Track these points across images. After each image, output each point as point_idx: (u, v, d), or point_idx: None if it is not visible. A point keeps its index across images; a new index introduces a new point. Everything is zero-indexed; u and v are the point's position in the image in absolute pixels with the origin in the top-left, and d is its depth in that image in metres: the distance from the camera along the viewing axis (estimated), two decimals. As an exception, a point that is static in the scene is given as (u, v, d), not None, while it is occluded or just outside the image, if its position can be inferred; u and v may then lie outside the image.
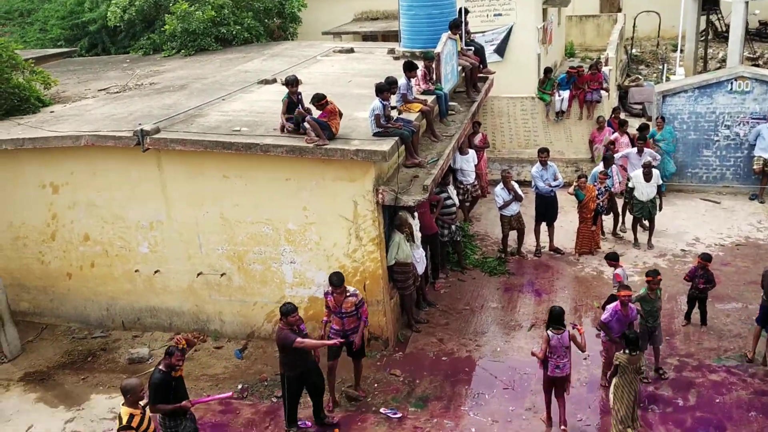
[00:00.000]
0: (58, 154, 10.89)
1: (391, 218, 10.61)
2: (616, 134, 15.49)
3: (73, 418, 9.64)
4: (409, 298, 11.10)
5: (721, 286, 11.30)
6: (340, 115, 9.99)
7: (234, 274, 10.83)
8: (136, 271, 11.24)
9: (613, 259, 10.64)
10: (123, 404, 7.07)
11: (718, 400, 9.21)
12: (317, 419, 9.12)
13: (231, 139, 9.98)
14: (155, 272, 11.15)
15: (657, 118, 15.80)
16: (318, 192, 10.08)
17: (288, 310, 8.40)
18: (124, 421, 6.93)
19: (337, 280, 8.97)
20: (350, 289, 9.17)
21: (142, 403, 7.25)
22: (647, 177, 13.13)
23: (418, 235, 11.12)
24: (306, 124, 9.70)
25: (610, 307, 9.28)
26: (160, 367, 7.67)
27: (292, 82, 9.99)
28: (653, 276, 9.43)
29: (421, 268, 11.18)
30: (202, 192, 10.49)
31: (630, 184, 13.35)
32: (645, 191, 13.23)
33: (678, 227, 14.39)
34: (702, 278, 10.56)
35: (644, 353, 9.63)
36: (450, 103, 13.27)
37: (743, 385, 9.46)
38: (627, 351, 8.33)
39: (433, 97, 12.29)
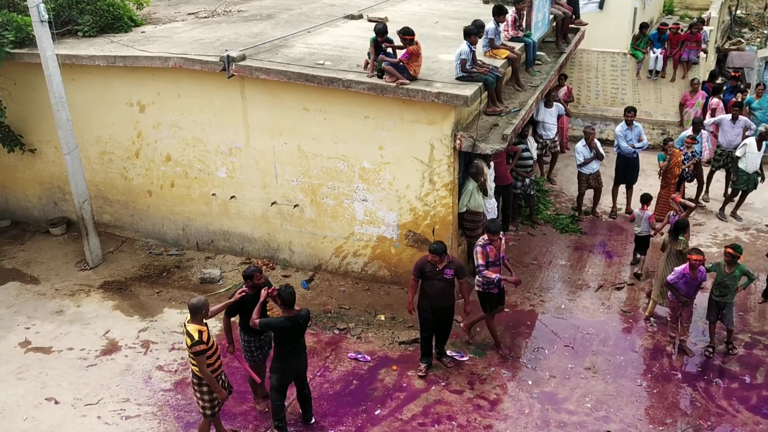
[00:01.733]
0: (146, 74, 11.15)
1: (467, 165, 10.50)
2: (716, 99, 14.78)
3: (147, 327, 10.13)
4: (477, 246, 11.04)
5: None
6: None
7: (306, 207, 11.00)
8: (213, 194, 11.55)
9: (645, 201, 11.09)
10: (189, 321, 7.24)
11: (787, 382, 8.94)
12: (438, 354, 9.29)
13: (314, 72, 9.99)
14: (231, 197, 11.43)
15: (758, 85, 14.95)
16: (395, 132, 10.04)
17: (433, 249, 8.52)
18: (196, 338, 7.13)
19: (494, 227, 8.90)
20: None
21: (206, 320, 7.41)
22: (760, 145, 12.49)
23: (491, 185, 10.99)
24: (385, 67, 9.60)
25: (678, 269, 9.10)
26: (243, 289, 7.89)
27: (382, 32, 9.81)
28: (732, 249, 9.07)
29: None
30: (281, 122, 10.60)
31: (738, 152, 12.57)
32: (755, 161, 12.58)
33: (765, 201, 13.76)
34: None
35: (714, 326, 9.42)
36: (538, 53, 12.89)
37: (816, 370, 9.13)
38: (671, 234, 9.60)
39: (521, 44, 11.95)
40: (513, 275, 9.25)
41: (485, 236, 9.00)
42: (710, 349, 9.44)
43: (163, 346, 9.71)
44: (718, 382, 8.96)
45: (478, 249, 8.97)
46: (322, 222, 11.02)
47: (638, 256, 11.44)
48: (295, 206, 11.05)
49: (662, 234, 10.55)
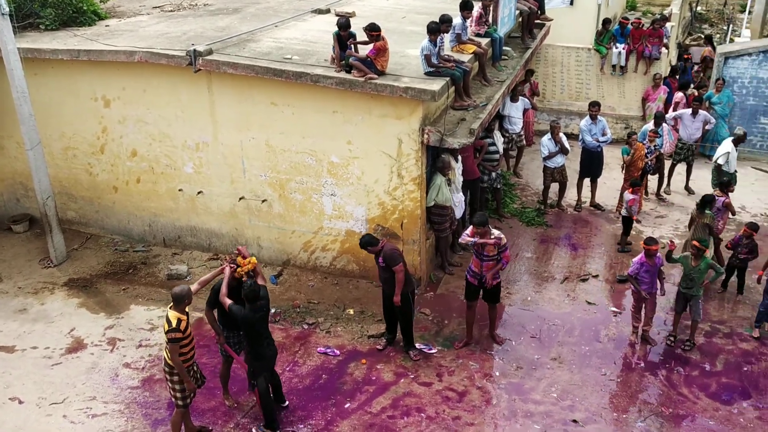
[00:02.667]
0: (111, 68, 11.01)
1: (434, 159, 10.58)
2: (680, 94, 15.08)
3: (113, 325, 10.03)
4: (445, 240, 11.16)
5: (762, 256, 11.10)
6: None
7: (275, 202, 10.98)
8: (179, 190, 11.47)
9: (635, 184, 11.67)
10: (171, 308, 7.30)
11: (745, 369, 9.19)
12: (404, 345, 9.38)
13: (282, 67, 9.97)
14: (198, 193, 11.36)
15: (717, 80, 15.32)
16: (363, 127, 10.07)
17: (361, 243, 8.82)
18: (173, 325, 7.18)
19: (479, 220, 8.92)
20: (495, 232, 9.01)
21: (187, 309, 7.46)
22: (736, 147, 12.76)
23: (459, 179, 11.10)
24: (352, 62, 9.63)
25: (636, 259, 9.31)
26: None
27: (344, 26, 9.80)
28: (698, 243, 9.29)
29: (459, 213, 11.20)
30: (249, 117, 10.57)
31: (721, 161, 12.51)
32: (735, 162, 12.81)
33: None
34: (745, 247, 10.42)
35: (679, 317, 9.65)
36: (504, 48, 13.00)
37: (773, 357, 9.42)
38: (697, 207, 10.44)
39: (488, 39, 12.06)
40: (489, 275, 9.10)
41: (470, 230, 9.04)
42: (671, 338, 9.67)
43: (130, 344, 9.63)
44: (679, 370, 9.19)
45: (468, 240, 9.04)
46: (291, 217, 11.01)
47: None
48: (263, 201, 11.03)
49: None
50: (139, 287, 10.95)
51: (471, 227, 9.03)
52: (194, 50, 10.10)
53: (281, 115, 10.38)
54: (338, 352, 9.42)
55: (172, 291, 7.39)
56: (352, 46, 9.81)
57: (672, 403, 8.58)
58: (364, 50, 9.75)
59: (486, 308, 9.58)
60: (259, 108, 10.44)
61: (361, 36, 9.81)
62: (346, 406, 8.48)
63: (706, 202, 10.52)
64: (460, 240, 9.42)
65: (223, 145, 10.89)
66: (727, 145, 12.68)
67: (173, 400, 7.68)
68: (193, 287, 7.76)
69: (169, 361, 7.37)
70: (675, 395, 8.73)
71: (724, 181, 11.33)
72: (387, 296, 9.12)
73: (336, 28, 9.83)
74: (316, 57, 10.47)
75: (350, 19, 10.49)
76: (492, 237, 8.90)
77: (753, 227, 10.38)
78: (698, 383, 8.95)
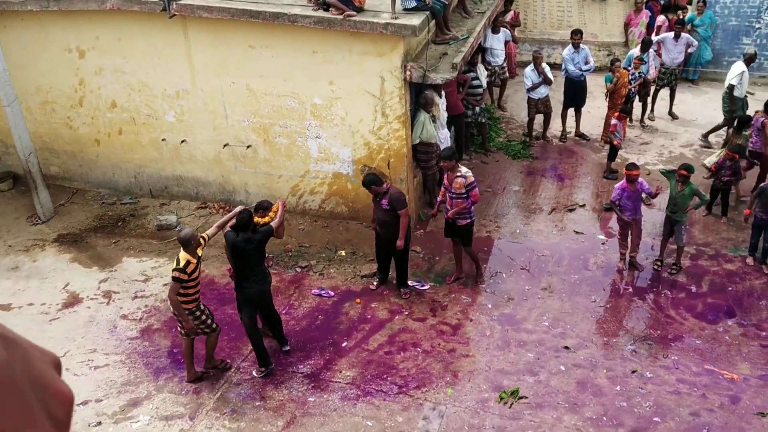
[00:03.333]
0: (83, 18, 10.73)
1: (418, 96, 10.50)
2: (662, 17, 14.94)
3: (107, 278, 10.08)
4: (432, 177, 11.18)
5: (745, 179, 11.24)
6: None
7: (259, 147, 10.91)
8: (163, 139, 11.36)
9: (624, 112, 11.74)
10: (183, 250, 7.48)
11: (730, 288, 9.42)
12: (398, 284, 9.49)
13: (258, 8, 9.75)
14: (182, 141, 11.26)
15: (698, 2, 15.15)
16: (345, 66, 9.94)
17: (364, 182, 8.90)
18: (181, 264, 7.37)
19: (446, 153, 8.97)
20: (462, 169, 9.00)
21: (199, 251, 7.61)
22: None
23: (443, 115, 11.05)
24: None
25: (618, 185, 9.40)
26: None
27: None
28: (684, 170, 9.36)
29: (445, 148, 11.19)
30: (227, 62, 10.39)
31: (734, 81, 12.19)
32: (746, 84, 12.56)
33: (708, 117, 14.12)
34: (729, 170, 10.50)
35: (666, 241, 9.81)
36: (483, -22, 12.75)
37: (757, 275, 9.64)
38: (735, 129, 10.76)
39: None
40: (453, 207, 9.07)
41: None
42: (659, 263, 9.86)
43: (126, 296, 9.71)
44: (666, 293, 9.41)
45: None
46: (277, 161, 10.97)
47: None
48: (248, 147, 10.96)
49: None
50: (130, 239, 10.96)
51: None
52: (167, -5, 9.85)
53: (260, 58, 10.22)
54: (332, 293, 9.55)
55: (177, 236, 7.64)
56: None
57: (660, 326, 8.81)
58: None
59: (484, 244, 9.71)
60: (237, 52, 10.26)
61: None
62: (344, 344, 8.65)
63: (742, 122, 10.73)
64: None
65: (202, 91, 10.74)
66: (740, 66, 12.34)
67: (180, 331, 7.92)
68: (210, 231, 7.98)
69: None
70: (663, 318, 8.96)
71: (746, 118, 10.95)
72: (384, 240, 9.11)
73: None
74: (292, -4, 10.23)
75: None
76: (458, 174, 8.90)
77: (736, 150, 10.45)
78: (685, 305, 9.18)
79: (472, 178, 8.98)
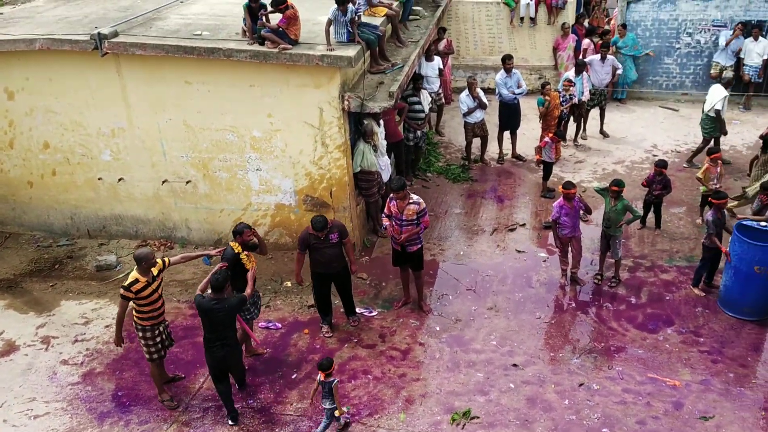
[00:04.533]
0: (11, 59, 10.50)
1: (356, 125, 10.62)
2: (587, 40, 15.52)
3: (45, 323, 9.75)
4: (375, 205, 11.26)
5: (676, 191, 11.69)
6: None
7: (199, 182, 10.81)
8: (99, 179, 11.13)
9: (558, 136, 12.18)
10: (135, 269, 7.60)
11: (668, 298, 9.73)
12: (347, 314, 9.48)
13: (192, 44, 9.74)
14: (119, 180, 11.06)
15: (619, 26, 15.82)
16: (283, 98, 9.99)
17: (315, 225, 8.59)
18: (127, 282, 7.49)
19: (397, 185, 8.94)
20: (414, 197, 9.05)
21: (154, 271, 7.67)
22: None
23: (383, 142, 11.18)
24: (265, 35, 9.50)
25: (556, 203, 9.65)
26: (231, 244, 8.27)
27: None
28: (615, 186, 9.67)
29: (386, 176, 11.29)
30: (163, 98, 10.31)
31: (718, 106, 12.48)
32: (726, 108, 12.86)
33: (637, 134, 14.72)
34: (659, 184, 10.92)
35: (604, 256, 10.09)
36: (414, 8, 13.07)
37: (691, 284, 9.97)
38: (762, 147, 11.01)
39: (399, 1, 12.08)
40: (403, 232, 9.05)
41: (386, 207, 9.20)
42: (599, 277, 10.13)
43: (65, 340, 9.41)
44: (607, 306, 9.65)
45: (388, 200, 9.19)
46: (218, 195, 10.88)
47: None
48: (187, 182, 10.84)
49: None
50: (68, 282, 10.65)
51: (387, 201, 9.12)
52: (99, 33, 9.74)
53: (197, 94, 10.17)
54: (280, 325, 9.46)
55: (134, 254, 7.80)
56: (263, 17, 9.66)
57: (603, 338, 9.02)
58: (275, 21, 9.62)
59: (430, 268, 9.76)
60: (173, 88, 10.20)
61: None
62: (293, 376, 8.56)
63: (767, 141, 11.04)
64: (381, 221, 9.45)
65: (139, 129, 10.60)
66: (720, 90, 12.66)
67: (146, 356, 8.00)
68: (174, 258, 8.23)
69: (138, 321, 7.73)
70: (606, 330, 9.18)
71: None
72: (330, 276, 9.02)
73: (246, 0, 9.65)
74: (226, 31, 10.27)
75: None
76: (411, 201, 9.00)
77: (661, 164, 10.88)
78: (626, 316, 9.43)
79: (424, 204, 9.11)
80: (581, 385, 8.23)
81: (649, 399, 7.98)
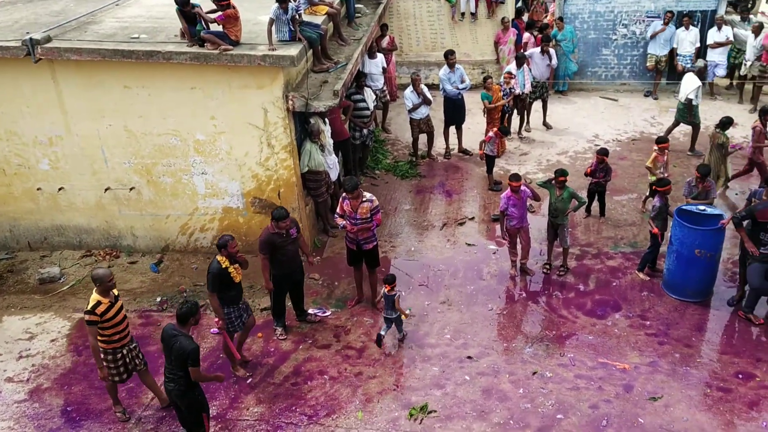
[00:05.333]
0: (-62, 68, 10.10)
1: (302, 125, 10.55)
2: (527, 34, 15.76)
3: (-14, 341, 9.43)
4: (324, 204, 11.22)
5: (618, 178, 11.98)
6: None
7: (143, 188, 10.59)
8: (38, 189, 10.80)
9: (502, 131, 12.36)
10: (95, 290, 7.29)
11: (614, 284, 9.96)
12: (299, 316, 9.40)
13: (130, 47, 9.52)
14: (59, 189, 10.74)
15: (556, 19, 16.11)
16: (226, 100, 9.86)
17: (280, 216, 8.42)
18: (89, 307, 7.18)
19: (350, 185, 8.87)
20: (366, 195, 9.03)
21: (115, 292, 7.40)
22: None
23: (329, 141, 11.14)
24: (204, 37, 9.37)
25: (503, 195, 9.78)
26: (218, 258, 7.94)
27: (182, 2, 9.36)
28: (561, 176, 9.85)
29: (334, 175, 11.27)
30: (102, 104, 10.05)
31: (691, 95, 12.84)
32: (701, 96, 13.20)
33: (578, 125, 15.01)
34: (601, 172, 11.17)
35: (552, 245, 10.27)
36: (357, 5, 13.07)
37: (636, 269, 10.24)
38: (717, 127, 11.27)
39: (339, -1, 12.05)
40: (356, 227, 9.05)
41: (339, 207, 9.16)
42: (547, 266, 10.30)
43: (9, 357, 9.09)
44: (557, 294, 9.83)
45: (340, 199, 9.16)
46: (163, 201, 10.67)
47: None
48: (131, 189, 10.61)
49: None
50: (10, 297, 10.30)
51: (340, 200, 9.08)
52: (30, 39, 9.43)
53: (137, 98, 9.96)
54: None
55: (91, 274, 7.43)
56: (200, 18, 9.51)
57: (554, 326, 9.18)
58: (212, 16, 9.49)
59: (382, 265, 9.77)
60: (112, 93, 9.95)
61: (207, 6, 9.53)
62: (248, 381, 8.47)
63: (723, 123, 11.27)
64: (335, 222, 9.40)
65: (78, 136, 10.32)
66: (694, 80, 12.96)
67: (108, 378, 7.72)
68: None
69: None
70: (556, 318, 9.34)
71: (766, 108, 11.33)
72: (291, 274, 8.96)
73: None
74: (165, 33, 10.08)
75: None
76: (364, 199, 9.01)
77: (603, 152, 11.13)
78: (575, 303, 9.61)
79: (377, 202, 9.12)
80: (535, 373, 8.36)
81: (600, 383, 8.16)
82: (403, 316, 8.86)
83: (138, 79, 9.82)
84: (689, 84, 12.97)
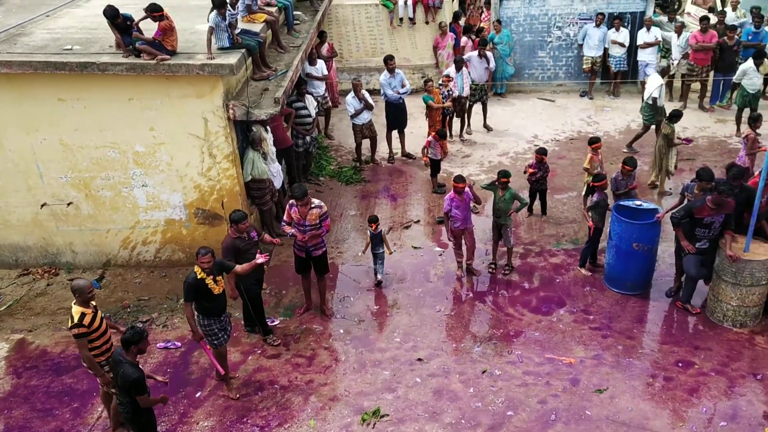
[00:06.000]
0: None
1: (244, 133, 10.47)
2: (465, 38, 15.98)
3: None
4: (269, 213, 11.15)
5: (557, 177, 12.27)
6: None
7: (82, 203, 10.33)
8: (-31, 207, 10.44)
9: (440, 135, 12.38)
10: (74, 303, 7.08)
11: (558, 280, 10.19)
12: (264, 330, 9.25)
13: (63, 59, 9.29)
14: (-8, 207, 10.41)
15: (493, 22, 16.40)
16: (165, 111, 9.70)
17: (240, 217, 8.31)
18: (76, 320, 6.96)
19: (299, 192, 8.78)
20: (315, 201, 8.99)
21: (93, 302, 7.21)
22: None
23: (272, 149, 11.08)
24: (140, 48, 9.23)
25: (447, 197, 9.91)
26: (195, 269, 7.65)
27: (110, 16, 9.25)
28: (504, 177, 10.01)
29: (278, 183, 11.21)
30: (36, 117, 9.76)
31: (655, 94, 13.00)
32: (664, 95, 13.41)
33: (518, 126, 15.30)
34: (541, 171, 11.42)
35: (497, 245, 10.44)
36: (295, 13, 13.03)
37: (578, 265, 10.48)
38: (667, 118, 11.83)
39: (276, 7, 12.01)
40: (307, 234, 9.07)
41: (286, 214, 9.09)
42: (493, 266, 10.47)
43: (-55, 383, 8.75)
44: (503, 293, 9.99)
45: (287, 206, 9.09)
46: (103, 216, 10.43)
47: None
48: (68, 204, 10.34)
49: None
50: (-58, 321, 9.91)
51: (293, 200, 9.01)
52: (-43, 52, 9.12)
53: (72, 111, 9.71)
54: (179, 344, 9.19)
55: (70, 285, 7.22)
56: (136, 27, 9.36)
57: (502, 324, 9.33)
58: (150, 32, 9.35)
59: (330, 271, 9.78)
60: (46, 106, 9.68)
61: (139, 12, 9.39)
62: (198, 395, 8.34)
63: (672, 115, 11.77)
64: (283, 230, 9.34)
65: (11, 151, 10.00)
66: (657, 79, 13.23)
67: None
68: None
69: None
70: (503, 316, 9.50)
71: (755, 116, 11.37)
72: (256, 281, 8.94)
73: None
74: (99, 44, 9.88)
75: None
76: (313, 205, 9.00)
77: (542, 152, 11.38)
78: (521, 301, 9.79)
79: (325, 207, 9.12)
80: (484, 372, 8.47)
81: (548, 378, 8.33)
82: (387, 253, 10.07)
83: (72, 91, 9.58)
84: (652, 83, 13.29)
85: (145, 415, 6.91)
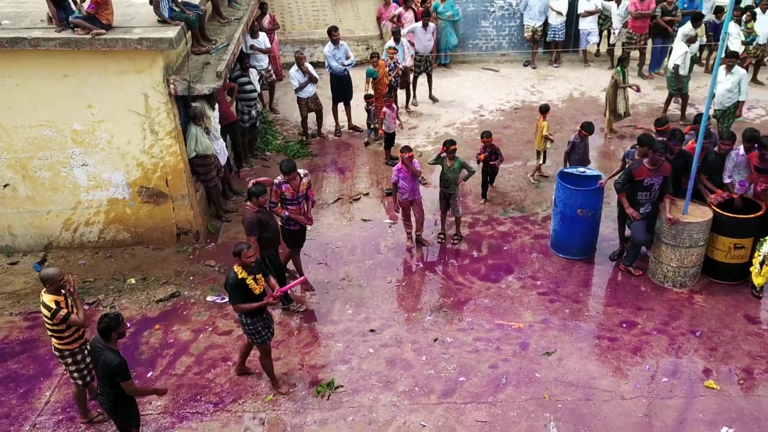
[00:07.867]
0: None
1: (186, 109, 10.25)
2: (401, 9, 15.87)
3: None
4: (215, 189, 10.99)
5: (503, 147, 12.37)
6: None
7: (19, 184, 10.00)
8: None
9: (387, 97, 12.44)
10: (45, 292, 6.88)
11: (506, 248, 10.36)
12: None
13: (-9, 35, 8.92)
14: None
15: (439, -9, 16.35)
16: (102, 87, 9.42)
17: (260, 191, 8.23)
18: (53, 306, 6.80)
19: (288, 167, 8.64)
20: (300, 171, 8.93)
21: (63, 290, 6.97)
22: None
23: (216, 126, 10.89)
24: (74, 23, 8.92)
25: (394, 168, 9.93)
26: (234, 268, 7.35)
27: None
28: (447, 146, 10.06)
29: (223, 159, 11.05)
30: (-35, 97, 9.39)
31: (678, 61, 13.15)
32: (688, 64, 13.50)
33: (463, 96, 15.38)
34: (491, 154, 11.26)
35: (445, 215, 10.52)
36: (235, -16, 12.75)
37: (525, 232, 10.69)
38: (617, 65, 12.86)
39: (216, -22, 11.73)
40: (308, 215, 9.22)
41: (281, 176, 8.90)
42: (441, 236, 10.57)
43: None
44: (453, 262, 10.11)
45: (274, 187, 8.94)
46: (42, 197, 10.12)
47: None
48: (4, 186, 9.99)
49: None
50: None
51: (282, 176, 8.80)
52: None
53: (3, 89, 9.35)
54: (128, 325, 9.01)
55: (40, 275, 6.97)
56: (73, 2, 9.04)
57: (452, 293, 9.46)
58: (84, 4, 9.04)
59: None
60: (-25, 84, 9.31)
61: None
62: (149, 375, 8.24)
63: (620, 60, 12.92)
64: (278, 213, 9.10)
65: (-60, 132, 9.60)
66: (681, 46, 13.24)
67: (72, 381, 7.41)
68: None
69: (59, 346, 7.09)
70: (453, 285, 9.62)
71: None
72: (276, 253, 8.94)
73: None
74: (30, 18, 9.51)
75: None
76: (302, 175, 8.99)
77: (486, 135, 11.07)
78: (470, 270, 9.93)
79: (309, 175, 9.22)
80: (436, 340, 8.60)
81: (498, 344, 8.50)
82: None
83: (3, 68, 9.21)
84: (675, 51, 13.39)
85: (127, 406, 6.75)
